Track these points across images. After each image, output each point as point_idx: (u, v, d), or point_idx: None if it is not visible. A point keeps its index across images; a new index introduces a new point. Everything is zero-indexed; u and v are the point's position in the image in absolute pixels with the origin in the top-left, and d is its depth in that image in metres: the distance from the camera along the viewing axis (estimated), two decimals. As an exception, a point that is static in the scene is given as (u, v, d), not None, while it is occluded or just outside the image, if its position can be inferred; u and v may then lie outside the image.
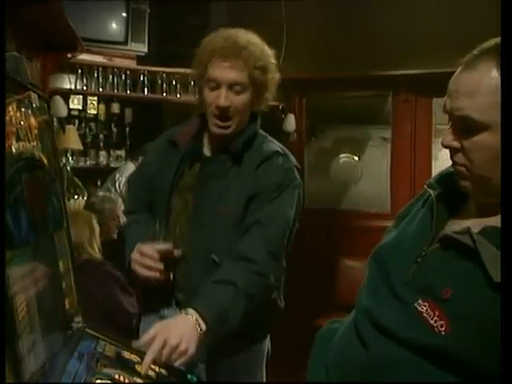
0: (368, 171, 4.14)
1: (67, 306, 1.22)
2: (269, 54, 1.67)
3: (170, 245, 1.64)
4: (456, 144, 1.02)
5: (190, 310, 1.44)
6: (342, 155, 4.21)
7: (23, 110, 1.04)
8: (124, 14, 3.61)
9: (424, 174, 3.59)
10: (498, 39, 0.99)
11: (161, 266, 1.61)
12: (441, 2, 3.62)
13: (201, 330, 1.41)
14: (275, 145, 1.76)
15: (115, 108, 3.84)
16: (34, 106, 1.13)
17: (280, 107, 4.01)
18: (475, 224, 1.01)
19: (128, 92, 3.75)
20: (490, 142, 0.97)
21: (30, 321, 0.92)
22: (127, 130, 3.92)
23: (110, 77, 3.67)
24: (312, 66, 3.95)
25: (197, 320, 1.42)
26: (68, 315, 1.23)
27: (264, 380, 1.85)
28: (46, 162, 1.16)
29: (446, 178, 1.12)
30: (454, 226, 1.06)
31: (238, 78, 1.60)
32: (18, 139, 0.99)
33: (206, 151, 1.74)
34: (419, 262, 1.05)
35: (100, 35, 3.53)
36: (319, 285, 3.78)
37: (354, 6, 3.75)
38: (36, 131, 1.11)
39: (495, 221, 0.99)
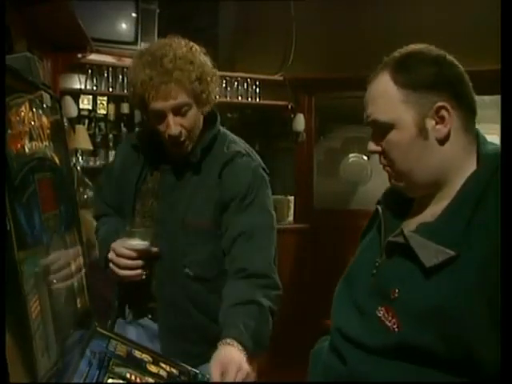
0: (377, 171, 4.11)
1: (79, 306, 1.22)
2: (197, 57, 1.53)
3: (147, 243, 1.57)
4: (376, 148, 1.13)
5: (229, 340, 1.33)
6: (351, 155, 4.20)
7: (35, 109, 1.05)
8: (134, 14, 3.62)
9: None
10: (395, 54, 1.12)
11: (139, 264, 1.56)
12: (447, 2, 3.60)
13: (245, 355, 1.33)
14: (237, 145, 1.65)
15: (125, 108, 3.83)
16: (46, 106, 1.14)
17: (289, 107, 4.01)
18: (414, 222, 1.09)
19: (137, 92, 3.75)
20: (398, 138, 1.08)
21: (43, 320, 0.92)
22: (136, 129, 3.93)
23: (120, 77, 3.67)
24: (321, 66, 3.94)
25: (238, 346, 1.33)
26: (79, 314, 1.23)
27: None
28: (57, 161, 1.17)
29: (394, 189, 1.19)
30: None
31: (180, 101, 1.49)
32: (31, 139, 0.99)
33: (168, 158, 1.65)
34: (375, 273, 1.12)
35: (110, 35, 3.54)
36: (329, 284, 3.75)
37: (363, 6, 3.74)
38: (48, 131, 1.11)
39: (430, 215, 1.07)
